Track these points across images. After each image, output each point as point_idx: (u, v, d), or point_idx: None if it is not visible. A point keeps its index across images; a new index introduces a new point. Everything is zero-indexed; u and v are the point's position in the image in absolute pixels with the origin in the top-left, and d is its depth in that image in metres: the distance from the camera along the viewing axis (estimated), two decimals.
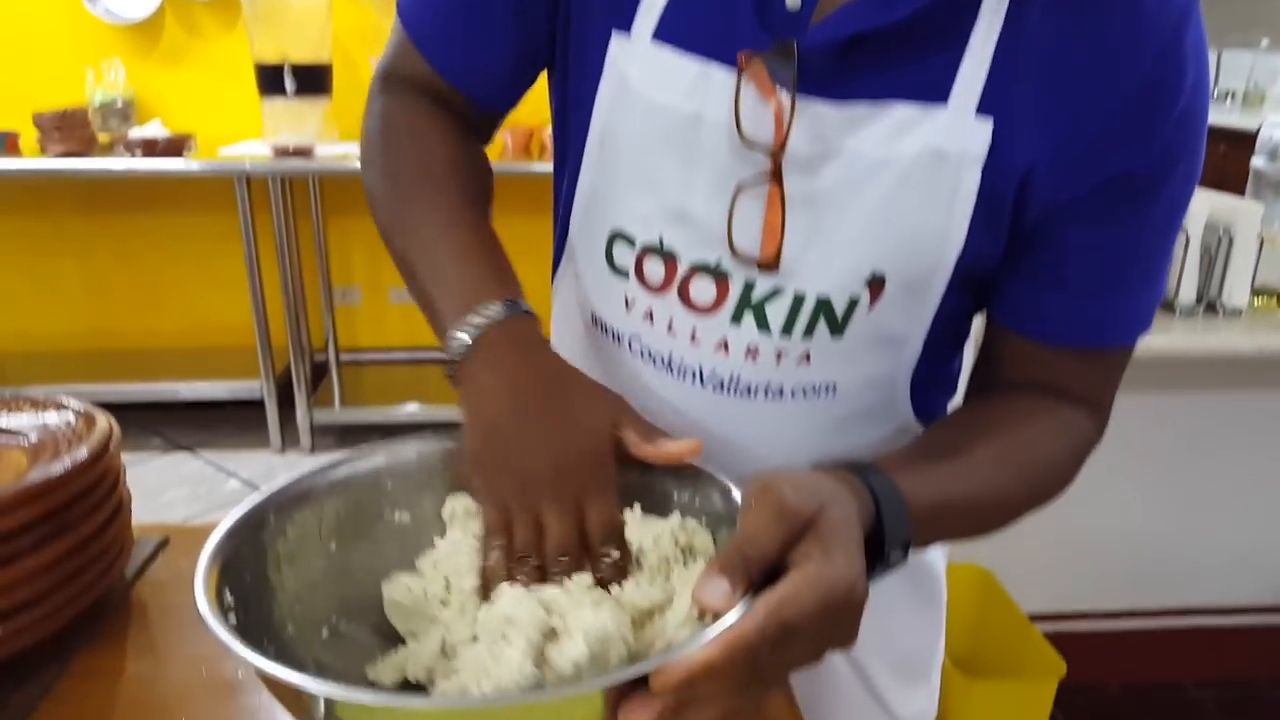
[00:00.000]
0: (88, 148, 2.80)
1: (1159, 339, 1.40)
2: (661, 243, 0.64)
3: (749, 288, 0.63)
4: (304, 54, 2.81)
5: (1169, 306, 1.48)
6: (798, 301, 0.63)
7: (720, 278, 0.64)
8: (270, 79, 2.81)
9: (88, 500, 0.62)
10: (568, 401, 0.58)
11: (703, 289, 0.64)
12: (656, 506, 0.62)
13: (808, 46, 0.57)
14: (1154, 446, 1.81)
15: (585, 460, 0.56)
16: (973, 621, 1.77)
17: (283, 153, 2.76)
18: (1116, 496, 1.85)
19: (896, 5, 0.56)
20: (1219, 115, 3.71)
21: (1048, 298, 0.63)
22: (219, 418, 3.11)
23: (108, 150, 2.86)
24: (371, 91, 0.73)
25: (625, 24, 0.62)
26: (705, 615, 0.48)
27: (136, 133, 2.83)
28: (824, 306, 0.63)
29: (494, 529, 0.57)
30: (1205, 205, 1.44)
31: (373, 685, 0.55)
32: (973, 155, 0.58)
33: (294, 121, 2.83)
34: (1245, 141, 3.44)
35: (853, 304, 0.62)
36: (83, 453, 0.62)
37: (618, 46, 0.63)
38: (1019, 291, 0.64)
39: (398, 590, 0.58)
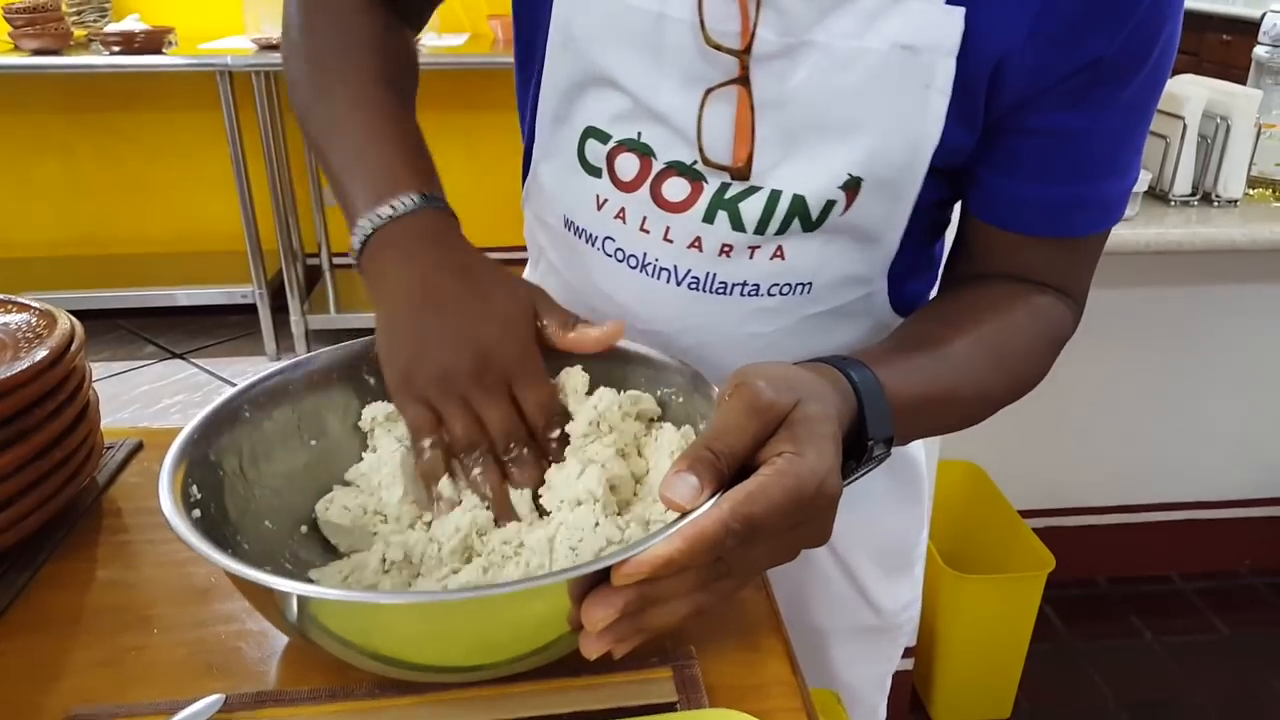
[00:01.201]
0: (63, 43, 2.72)
1: (1153, 230, 1.38)
2: (639, 138, 0.62)
3: (724, 186, 0.62)
4: None
5: (1163, 198, 1.45)
6: (773, 200, 0.61)
7: (694, 177, 0.62)
8: None
9: (50, 402, 0.61)
10: (482, 290, 0.57)
11: (676, 187, 0.63)
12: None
13: None
14: (1146, 340, 1.81)
15: (507, 345, 0.56)
16: (963, 517, 1.80)
17: (266, 46, 2.68)
18: (1107, 391, 1.85)
19: None
20: (1222, 3, 3.58)
21: (1019, 187, 0.62)
22: (212, 324, 3.10)
23: (84, 46, 2.78)
24: None
25: None
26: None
27: (114, 27, 2.75)
28: (799, 206, 0.61)
29: (420, 429, 0.56)
30: (1203, 93, 1.40)
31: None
32: (945, 47, 0.56)
33: (276, 13, 2.73)
34: (1249, 29, 3.35)
35: (829, 206, 0.61)
36: (42, 353, 0.61)
37: None
38: (990, 182, 0.63)
39: (334, 512, 0.58)
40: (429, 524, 0.57)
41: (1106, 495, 1.98)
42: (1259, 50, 1.60)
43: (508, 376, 0.56)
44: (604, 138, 0.64)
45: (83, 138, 3.15)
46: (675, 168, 0.62)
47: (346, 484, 0.60)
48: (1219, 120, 1.39)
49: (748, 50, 0.57)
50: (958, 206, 0.70)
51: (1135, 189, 1.37)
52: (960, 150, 0.61)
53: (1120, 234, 1.36)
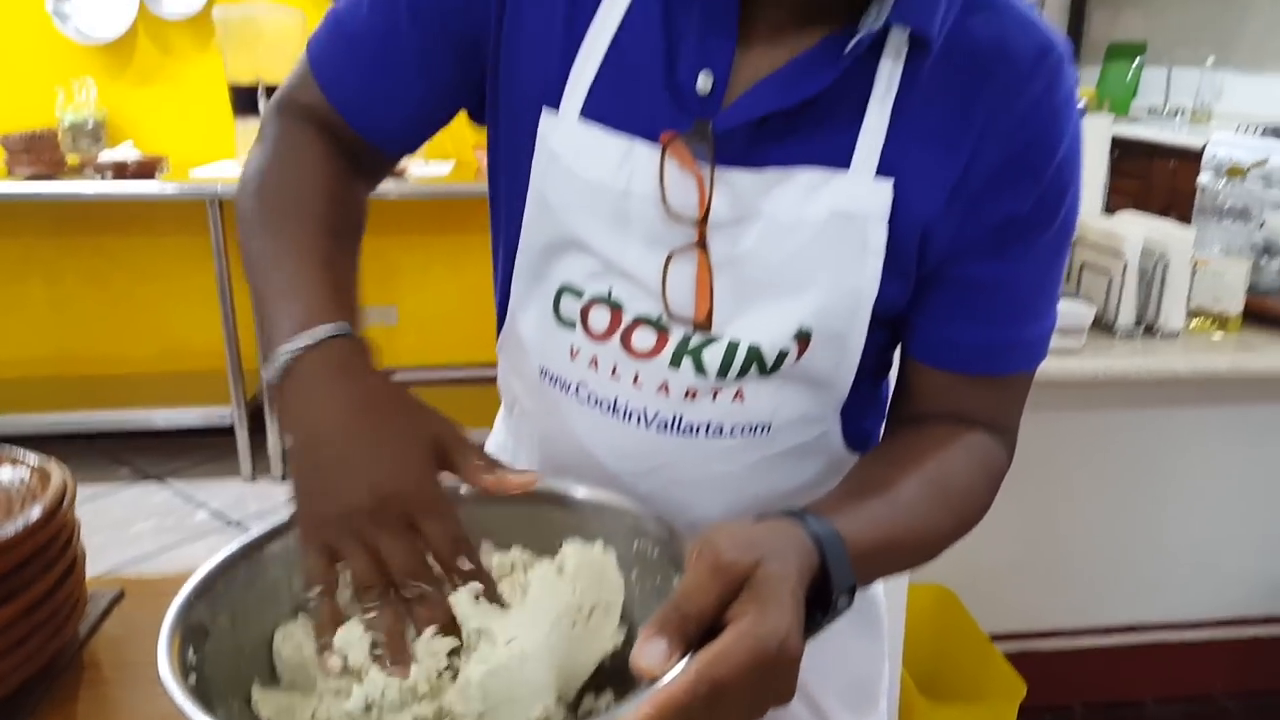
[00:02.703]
0: (56, 170, 2.79)
1: (1100, 361, 1.45)
2: (610, 294, 0.68)
3: (687, 337, 0.67)
4: (278, 74, 2.80)
5: (1109, 329, 1.52)
6: (731, 349, 0.67)
7: (660, 328, 0.68)
8: (244, 100, 2.82)
9: (39, 560, 0.64)
10: (382, 425, 0.57)
11: (644, 337, 0.68)
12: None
13: (722, 127, 0.62)
14: (1103, 463, 1.86)
15: (403, 479, 0.55)
16: (935, 642, 1.80)
17: None
18: (1071, 513, 1.89)
19: (799, 88, 0.62)
20: (1168, 132, 3.77)
21: (950, 330, 0.69)
22: (189, 444, 3.09)
23: (77, 172, 2.86)
24: (265, 115, 0.74)
25: (554, 101, 0.66)
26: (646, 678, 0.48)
27: (107, 155, 2.83)
28: (755, 354, 0.67)
29: (313, 578, 0.55)
30: (1141, 231, 1.49)
31: None
32: (877, 214, 0.63)
33: None
34: (1193, 158, 3.52)
35: (782, 355, 0.67)
36: (35, 512, 0.64)
37: (547, 123, 0.66)
38: (923, 326, 0.70)
39: (288, 648, 0.59)
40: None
41: (1075, 616, 1.99)
42: (1203, 178, 1.71)
43: (409, 511, 0.54)
44: (578, 293, 0.69)
45: (70, 260, 3.20)
46: (643, 320, 0.68)
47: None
48: (1157, 258, 1.48)
49: (705, 220, 0.64)
50: (898, 351, 0.76)
51: (1081, 323, 1.44)
52: (896, 303, 0.68)
53: (1068, 365, 1.43)
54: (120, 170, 2.75)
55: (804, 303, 0.65)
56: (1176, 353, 1.47)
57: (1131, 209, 1.94)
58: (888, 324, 0.70)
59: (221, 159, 3.07)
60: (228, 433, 2.92)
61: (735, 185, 0.64)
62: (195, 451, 3.09)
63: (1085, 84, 4.97)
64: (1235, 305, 1.52)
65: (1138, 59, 4.64)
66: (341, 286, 0.64)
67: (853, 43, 0.60)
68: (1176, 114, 4.28)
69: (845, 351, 0.68)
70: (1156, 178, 3.68)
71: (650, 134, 0.64)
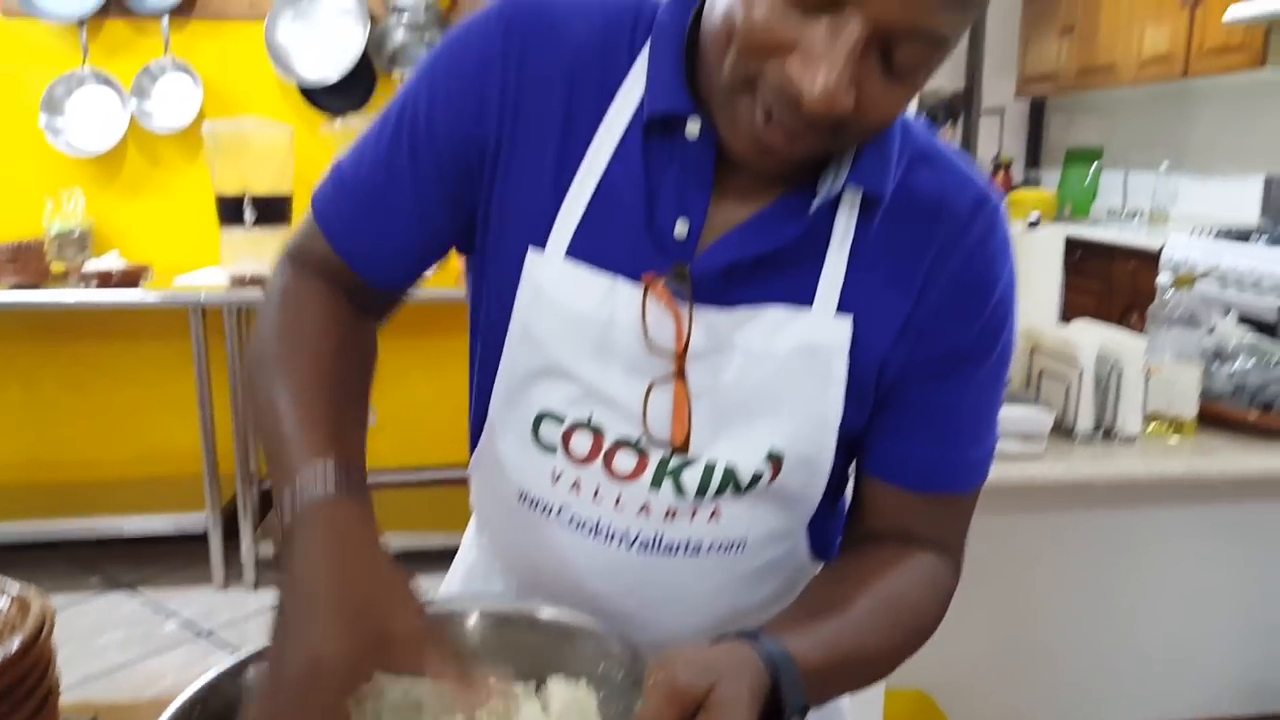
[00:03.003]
0: (41, 279, 2.83)
1: (1061, 466, 1.49)
2: (590, 419, 0.72)
3: (666, 459, 0.72)
4: (265, 186, 2.89)
5: (1069, 434, 1.57)
6: (709, 471, 0.71)
7: (640, 451, 0.72)
8: (230, 210, 2.88)
9: (16, 693, 0.64)
10: (330, 616, 0.55)
11: (625, 460, 0.72)
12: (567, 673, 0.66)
13: (698, 271, 0.68)
14: (1072, 564, 1.88)
15: (307, 690, 0.52)
16: None
17: (240, 282, 2.80)
18: (1042, 615, 1.90)
19: (767, 238, 0.68)
20: (1127, 234, 3.92)
21: (897, 446, 0.74)
22: (162, 551, 3.05)
23: (62, 280, 2.89)
24: (276, 266, 0.78)
25: (540, 241, 0.71)
26: None
27: (92, 264, 2.87)
28: (731, 475, 0.71)
29: None
30: (1095, 340, 1.55)
31: None
32: (838, 347, 0.69)
33: (253, 250, 2.88)
34: (1152, 259, 3.66)
35: (757, 477, 0.71)
36: (14, 644, 0.65)
37: (534, 261, 0.71)
38: (873, 443, 0.75)
39: None
40: None
41: (1056, 718, 1.98)
42: (1162, 278, 1.78)
43: (301, 703, 0.52)
44: (559, 419, 0.73)
45: (49, 367, 3.21)
46: (624, 443, 0.72)
47: None
48: (1112, 364, 1.54)
49: (683, 352, 0.69)
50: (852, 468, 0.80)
51: (1041, 429, 1.49)
52: (856, 427, 0.73)
53: (1030, 470, 1.47)
54: (105, 279, 2.78)
55: (775, 428, 0.70)
56: (1134, 457, 1.51)
57: (1093, 311, 2.01)
58: (846, 445, 0.75)
59: (206, 265, 3.11)
60: (200, 539, 2.88)
61: (710, 321, 0.69)
62: (168, 558, 3.04)
63: (1046, 187, 5.17)
64: (1189, 410, 1.58)
65: (1095, 163, 4.85)
66: (344, 436, 0.65)
67: (815, 203, 0.67)
68: (1135, 216, 4.46)
69: (815, 472, 0.73)
70: (1118, 278, 3.81)
71: (631, 273, 0.70)
